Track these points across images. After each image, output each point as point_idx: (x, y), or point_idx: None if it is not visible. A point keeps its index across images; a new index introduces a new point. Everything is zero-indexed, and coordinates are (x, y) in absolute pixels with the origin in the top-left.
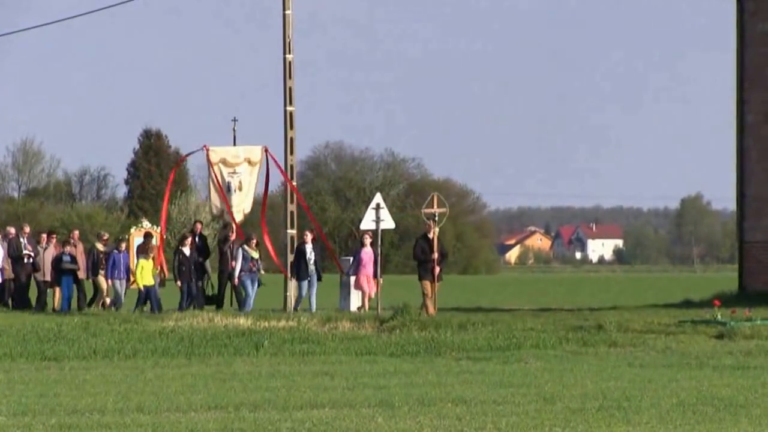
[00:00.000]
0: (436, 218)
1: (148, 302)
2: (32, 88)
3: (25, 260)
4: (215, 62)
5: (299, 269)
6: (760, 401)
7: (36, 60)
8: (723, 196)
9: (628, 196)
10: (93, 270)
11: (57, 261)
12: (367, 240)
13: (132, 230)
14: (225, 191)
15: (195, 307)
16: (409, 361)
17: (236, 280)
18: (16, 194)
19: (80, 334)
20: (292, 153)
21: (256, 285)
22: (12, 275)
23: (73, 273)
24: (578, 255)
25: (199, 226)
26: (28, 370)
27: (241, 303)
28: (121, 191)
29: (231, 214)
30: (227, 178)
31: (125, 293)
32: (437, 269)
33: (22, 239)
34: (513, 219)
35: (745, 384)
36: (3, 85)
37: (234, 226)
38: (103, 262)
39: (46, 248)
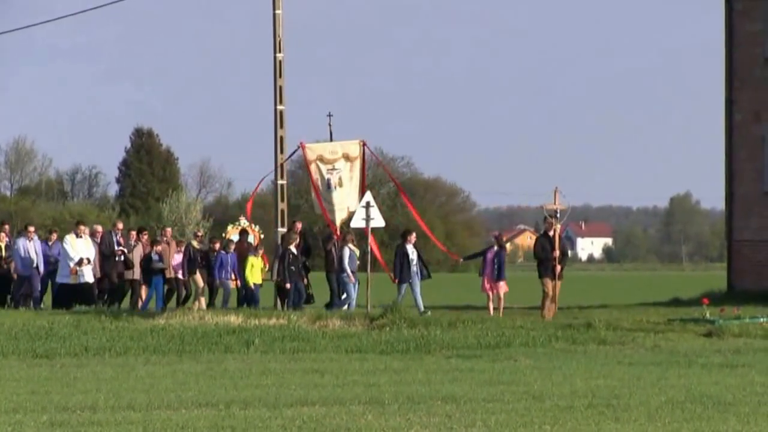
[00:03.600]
0: (558, 215)
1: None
2: (25, 87)
3: (117, 258)
4: (207, 61)
5: (401, 270)
6: (749, 399)
7: (29, 59)
8: (712, 195)
9: (618, 195)
10: (189, 268)
11: (146, 260)
12: (494, 240)
13: (228, 228)
14: (324, 189)
15: (299, 306)
16: (399, 358)
17: (352, 279)
18: (8, 192)
19: (72, 332)
20: (282, 152)
21: (357, 284)
22: (99, 274)
23: (163, 272)
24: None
25: (299, 225)
26: (20, 367)
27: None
28: (113, 189)
29: (325, 212)
30: (326, 176)
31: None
32: (558, 268)
33: (114, 236)
34: (502, 217)
35: (734, 382)
36: None
37: (337, 224)
38: (200, 260)
39: (135, 246)
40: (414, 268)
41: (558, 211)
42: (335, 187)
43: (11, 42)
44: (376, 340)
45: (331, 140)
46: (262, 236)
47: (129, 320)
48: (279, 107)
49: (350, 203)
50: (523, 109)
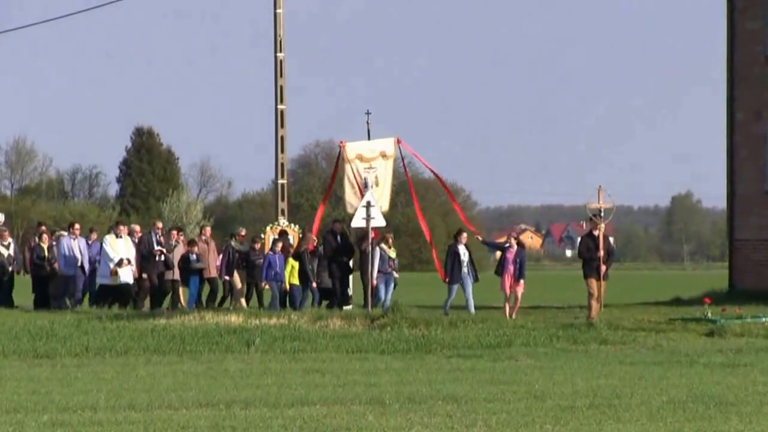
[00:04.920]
0: (602, 214)
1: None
2: (25, 86)
3: (157, 258)
4: (207, 60)
5: (452, 271)
6: (751, 399)
7: (28, 58)
8: (713, 194)
9: (619, 195)
10: (228, 269)
11: (184, 261)
12: (513, 240)
13: (267, 229)
14: (363, 188)
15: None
16: (400, 358)
17: (374, 281)
18: (9, 192)
19: (72, 332)
20: (282, 151)
21: (392, 286)
22: (137, 275)
23: (200, 272)
24: (569, 253)
25: (338, 225)
26: (21, 367)
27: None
28: (113, 189)
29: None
30: (363, 174)
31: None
32: (603, 268)
33: (153, 236)
34: (503, 217)
35: (735, 382)
36: None
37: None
38: (239, 261)
39: (175, 246)
40: (465, 268)
41: (602, 210)
42: (372, 186)
43: (11, 41)
44: (377, 340)
45: (369, 138)
46: (300, 236)
47: (130, 320)
48: (279, 107)
49: (383, 202)
50: (523, 108)
